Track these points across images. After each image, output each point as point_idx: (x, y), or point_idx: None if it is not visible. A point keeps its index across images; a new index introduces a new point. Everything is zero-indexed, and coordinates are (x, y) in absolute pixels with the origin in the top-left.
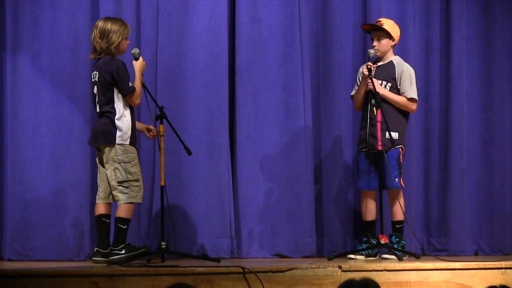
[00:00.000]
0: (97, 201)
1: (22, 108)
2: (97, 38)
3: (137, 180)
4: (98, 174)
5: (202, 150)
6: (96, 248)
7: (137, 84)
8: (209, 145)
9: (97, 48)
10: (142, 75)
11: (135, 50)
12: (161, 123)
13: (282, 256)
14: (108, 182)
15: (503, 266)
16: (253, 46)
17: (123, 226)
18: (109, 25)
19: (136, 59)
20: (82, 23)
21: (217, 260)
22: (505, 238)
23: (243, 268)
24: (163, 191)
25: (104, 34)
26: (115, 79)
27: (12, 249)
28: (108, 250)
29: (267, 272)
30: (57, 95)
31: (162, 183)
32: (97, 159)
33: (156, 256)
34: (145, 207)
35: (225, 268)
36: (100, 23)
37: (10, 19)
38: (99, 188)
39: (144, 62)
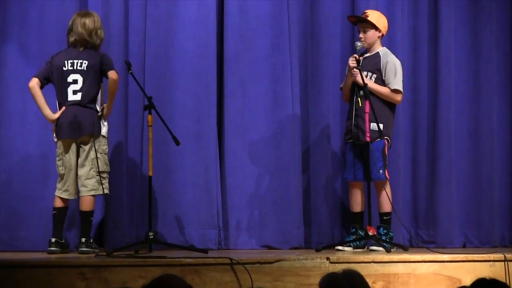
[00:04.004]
0: (61, 196)
1: (10, 96)
2: (86, 34)
3: (109, 173)
4: (63, 168)
5: (190, 140)
6: (54, 239)
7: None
8: (197, 135)
9: (83, 37)
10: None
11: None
12: (150, 113)
13: (270, 247)
14: (79, 172)
15: (492, 259)
16: (242, 36)
17: (92, 218)
18: (96, 17)
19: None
20: (70, 12)
21: (205, 251)
22: (493, 230)
23: (230, 259)
24: (150, 182)
25: (88, 24)
26: (102, 61)
27: (0, 240)
28: (83, 241)
29: (254, 263)
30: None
31: (150, 173)
32: (68, 153)
33: (143, 247)
34: (133, 197)
35: (213, 259)
36: (87, 21)
37: None
38: (67, 182)
39: None
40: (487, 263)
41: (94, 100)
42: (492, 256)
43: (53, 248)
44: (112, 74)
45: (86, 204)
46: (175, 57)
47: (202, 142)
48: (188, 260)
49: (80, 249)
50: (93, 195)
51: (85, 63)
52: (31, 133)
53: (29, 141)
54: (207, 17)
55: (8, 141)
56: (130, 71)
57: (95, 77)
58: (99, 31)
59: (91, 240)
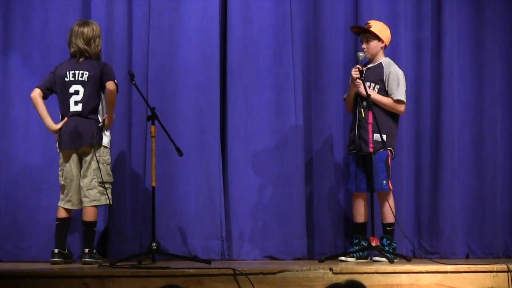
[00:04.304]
0: (65, 206)
1: (13, 108)
2: (84, 43)
3: (111, 183)
4: (66, 180)
5: (193, 151)
6: (57, 250)
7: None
8: (200, 146)
9: (86, 53)
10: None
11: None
12: (153, 124)
13: (273, 258)
14: (82, 182)
15: (495, 270)
16: (245, 47)
17: (95, 229)
18: (96, 26)
19: None
20: (73, 22)
21: (208, 261)
22: (496, 241)
23: (234, 270)
24: (154, 192)
25: (90, 40)
26: (102, 71)
27: (2, 250)
28: (87, 251)
29: (258, 274)
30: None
31: (153, 184)
32: (69, 163)
33: (146, 257)
34: (136, 207)
35: (216, 269)
36: (85, 30)
37: (1, 18)
38: (70, 194)
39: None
40: (490, 274)
41: (95, 111)
42: (495, 267)
43: (56, 259)
44: (109, 85)
45: (89, 215)
46: (178, 68)
47: (205, 153)
48: (191, 270)
49: (84, 259)
50: (95, 206)
51: (86, 74)
52: (34, 143)
53: (32, 151)
54: (210, 28)
55: (11, 151)
56: (133, 82)
57: (95, 88)
58: (97, 40)
59: (94, 251)
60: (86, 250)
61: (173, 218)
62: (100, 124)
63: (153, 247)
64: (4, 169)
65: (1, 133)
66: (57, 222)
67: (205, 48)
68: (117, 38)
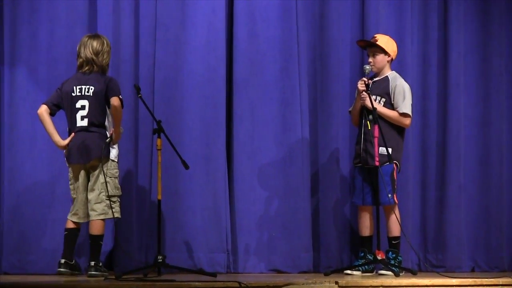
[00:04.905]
0: (74, 219)
1: (19, 120)
2: (92, 55)
3: (120, 197)
4: (75, 191)
5: (199, 164)
6: (63, 260)
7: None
8: (206, 159)
9: (93, 65)
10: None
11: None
12: (159, 137)
13: (278, 271)
14: (89, 196)
15: (500, 283)
16: (251, 60)
17: (101, 243)
18: (105, 40)
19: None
20: (79, 36)
21: (214, 274)
22: (502, 254)
23: (239, 283)
24: (159, 205)
25: (97, 48)
26: (108, 86)
27: (8, 263)
28: (93, 264)
29: (263, 287)
30: None
31: (159, 197)
32: (77, 176)
33: (152, 270)
34: (142, 220)
35: (222, 282)
36: (95, 43)
37: (8, 31)
38: (78, 206)
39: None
40: None
41: (101, 125)
42: (500, 281)
43: (62, 269)
44: (114, 101)
45: (96, 228)
46: (184, 81)
47: (211, 166)
48: (196, 283)
49: (89, 272)
50: (102, 219)
51: (91, 89)
52: (40, 157)
53: (38, 165)
54: (216, 41)
55: (18, 163)
56: (139, 95)
57: (101, 102)
58: (105, 54)
59: (100, 264)
60: (92, 263)
61: (179, 231)
62: (108, 140)
63: (159, 260)
64: (10, 181)
65: (7, 145)
66: (65, 233)
67: (211, 61)
68: (124, 51)
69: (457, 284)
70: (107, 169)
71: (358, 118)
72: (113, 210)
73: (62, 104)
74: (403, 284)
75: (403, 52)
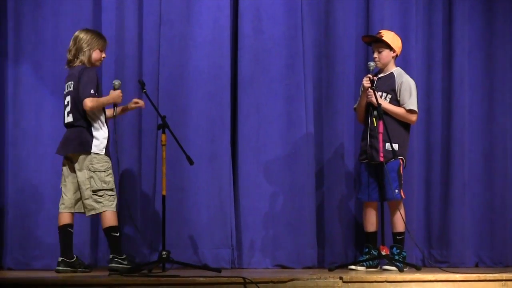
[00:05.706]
0: (61, 210)
1: (23, 116)
2: (70, 46)
3: (111, 189)
4: (63, 183)
5: (204, 160)
6: (61, 258)
7: (100, 100)
8: (211, 156)
9: (69, 56)
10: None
11: (116, 81)
12: (163, 132)
13: (283, 267)
14: (80, 192)
15: (504, 278)
16: (256, 57)
17: (116, 234)
18: (82, 34)
19: (115, 90)
20: None
21: (218, 270)
22: (506, 250)
23: (244, 278)
24: (164, 201)
25: (75, 42)
26: (79, 88)
27: (12, 258)
28: (111, 257)
29: (268, 282)
30: (58, 104)
31: (164, 193)
32: (64, 168)
33: (157, 266)
34: (147, 216)
35: (226, 278)
36: (76, 33)
37: (12, 27)
38: (64, 197)
39: (121, 95)
40: (499, 283)
41: (85, 119)
42: (504, 276)
43: (60, 268)
44: (84, 105)
45: (104, 221)
46: (189, 78)
47: (216, 162)
48: (201, 279)
49: (110, 265)
50: (94, 214)
51: (72, 84)
52: (45, 152)
53: (43, 160)
54: (221, 38)
55: (22, 160)
56: (144, 90)
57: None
58: (84, 45)
59: (123, 256)
60: (111, 256)
61: (183, 227)
62: (113, 115)
63: (164, 256)
64: (15, 178)
65: (12, 141)
66: (58, 231)
67: (216, 58)
68: (128, 47)
69: (461, 279)
70: (90, 164)
71: (363, 115)
72: (102, 204)
73: None
74: (407, 279)
75: (408, 49)
